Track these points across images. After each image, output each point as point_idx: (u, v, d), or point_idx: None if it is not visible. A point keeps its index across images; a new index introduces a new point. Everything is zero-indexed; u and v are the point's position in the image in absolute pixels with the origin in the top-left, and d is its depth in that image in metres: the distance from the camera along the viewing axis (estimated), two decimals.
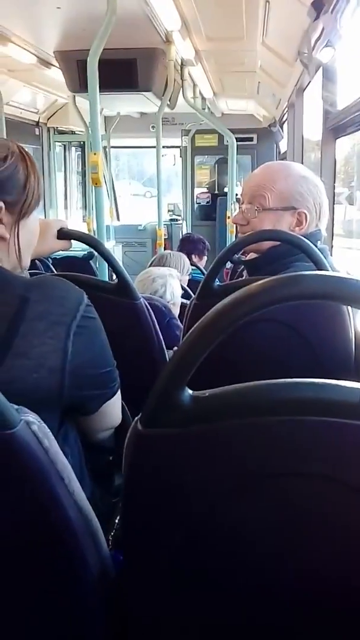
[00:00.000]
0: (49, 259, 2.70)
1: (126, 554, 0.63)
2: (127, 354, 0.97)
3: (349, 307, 1.12)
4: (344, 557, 0.59)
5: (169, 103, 3.70)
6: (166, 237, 5.19)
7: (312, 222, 1.29)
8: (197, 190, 6.52)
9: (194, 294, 1.29)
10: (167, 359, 1.36)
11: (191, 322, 1.24)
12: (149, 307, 1.33)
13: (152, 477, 0.58)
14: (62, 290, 0.81)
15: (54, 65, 3.67)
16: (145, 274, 2.11)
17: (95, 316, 0.85)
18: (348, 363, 1.12)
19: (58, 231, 1.18)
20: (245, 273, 1.62)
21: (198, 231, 5.27)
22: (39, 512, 0.61)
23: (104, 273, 2.55)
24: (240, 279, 1.83)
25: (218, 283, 1.26)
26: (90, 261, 3.17)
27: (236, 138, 4.58)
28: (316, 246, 1.17)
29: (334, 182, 2.43)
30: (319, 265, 1.12)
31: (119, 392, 0.93)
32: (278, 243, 1.24)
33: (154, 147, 4.01)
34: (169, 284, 2.05)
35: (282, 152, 5.08)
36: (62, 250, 1.23)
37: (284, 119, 4.45)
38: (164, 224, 4.77)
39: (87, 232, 4.68)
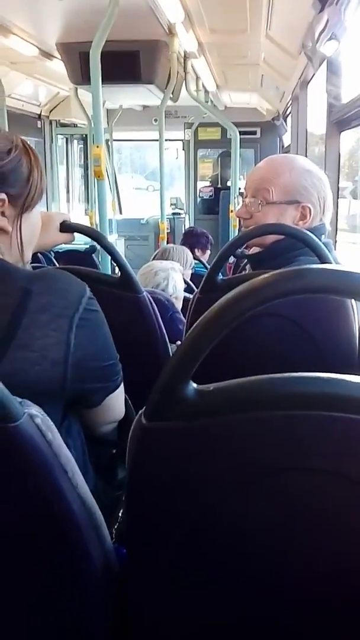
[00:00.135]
0: (52, 252, 2.69)
1: (130, 548, 0.63)
2: (130, 347, 0.97)
3: (353, 301, 1.11)
4: (347, 553, 0.59)
5: (171, 96, 3.68)
6: (169, 231, 5.18)
7: (316, 216, 1.28)
8: (200, 184, 6.50)
9: (197, 288, 1.29)
10: (170, 353, 1.36)
11: (194, 316, 1.24)
12: (152, 301, 1.32)
13: (156, 471, 0.58)
14: (64, 283, 0.81)
15: (56, 57, 3.65)
16: (147, 267, 2.11)
17: (98, 309, 0.84)
18: (352, 357, 1.12)
19: (61, 224, 1.18)
20: (248, 267, 1.61)
21: (201, 225, 5.25)
22: (42, 505, 0.61)
23: (106, 267, 2.55)
24: (243, 273, 1.82)
25: (221, 277, 1.26)
26: (93, 255, 3.16)
27: (239, 131, 4.55)
28: (320, 240, 1.16)
29: (338, 176, 2.41)
30: (323, 260, 1.11)
31: (122, 386, 0.93)
32: (282, 237, 1.24)
33: (157, 140, 3.99)
34: (172, 277, 2.05)
35: (285, 146, 5.06)
36: (65, 244, 1.23)
37: (288, 112, 4.43)
38: (167, 218, 4.76)
39: (89, 225, 4.67)
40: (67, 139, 6.29)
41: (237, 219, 1.40)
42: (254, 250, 1.36)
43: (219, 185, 6.38)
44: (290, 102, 3.98)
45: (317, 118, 3.17)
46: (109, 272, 2.33)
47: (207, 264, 3.46)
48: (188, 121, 6.09)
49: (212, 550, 0.60)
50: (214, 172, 6.56)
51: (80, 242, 3.17)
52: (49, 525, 0.62)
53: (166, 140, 4.17)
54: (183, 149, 6.48)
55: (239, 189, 4.62)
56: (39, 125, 5.51)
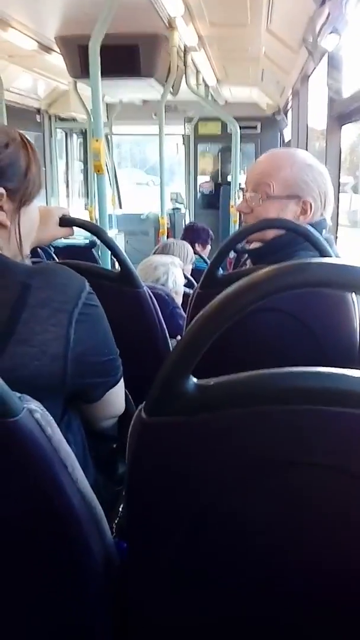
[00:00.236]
0: (51, 247, 2.68)
1: (130, 543, 0.63)
2: (130, 342, 0.97)
3: (354, 296, 1.11)
4: (349, 548, 0.59)
5: (171, 90, 3.66)
6: (169, 226, 5.17)
7: (317, 211, 1.27)
8: (200, 179, 6.48)
9: (198, 283, 1.29)
10: (170, 348, 1.36)
11: (194, 311, 1.23)
12: (152, 296, 1.32)
13: (156, 466, 0.58)
14: (64, 278, 0.81)
15: (55, 51, 3.63)
16: (147, 261, 2.11)
17: (98, 304, 0.84)
18: (352, 352, 1.12)
19: (60, 218, 1.17)
20: (249, 262, 1.61)
21: (201, 220, 5.24)
22: (42, 500, 0.61)
23: (106, 261, 2.54)
24: (244, 268, 1.82)
25: (222, 272, 1.25)
26: (93, 249, 3.16)
27: (240, 126, 4.54)
28: (321, 235, 1.16)
29: (339, 171, 2.41)
30: (324, 255, 1.11)
31: (122, 381, 0.93)
32: (282, 232, 1.23)
33: (157, 134, 3.98)
34: (171, 272, 2.05)
35: (286, 141, 5.05)
36: (64, 238, 1.22)
37: (288, 107, 4.41)
38: (167, 213, 4.74)
39: (89, 220, 4.65)
40: (66, 133, 6.27)
41: (238, 214, 1.40)
42: (255, 245, 1.36)
43: (219, 180, 6.37)
44: (291, 96, 3.96)
45: (318, 113, 3.15)
46: (109, 267, 2.33)
47: (207, 259, 3.46)
48: (188, 116, 6.07)
49: (213, 546, 0.60)
50: (214, 167, 6.54)
51: (80, 236, 3.16)
52: (49, 520, 0.62)
53: (166, 134, 4.15)
54: (183, 144, 6.46)
55: (240, 183, 4.61)
56: (38, 120, 5.49)
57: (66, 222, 1.19)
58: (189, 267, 2.90)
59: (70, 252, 2.95)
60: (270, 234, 1.26)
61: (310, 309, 1.10)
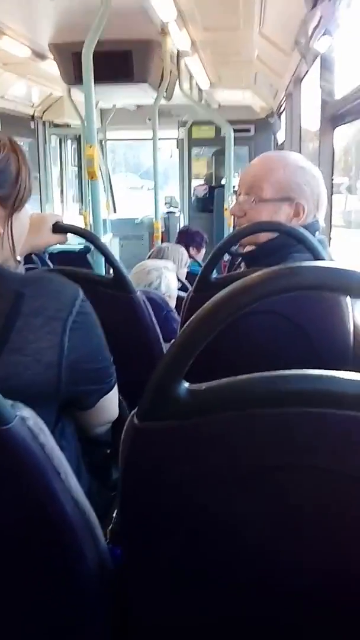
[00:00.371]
0: (45, 254, 2.68)
1: (124, 549, 0.63)
2: (124, 347, 0.97)
3: (348, 299, 1.11)
4: (345, 550, 0.59)
5: (165, 95, 3.67)
6: (163, 229, 5.18)
7: (310, 213, 1.28)
8: (194, 182, 6.49)
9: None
10: (165, 352, 1.35)
11: (188, 314, 1.23)
12: (145, 301, 1.32)
13: (149, 471, 0.57)
14: (57, 285, 0.81)
15: (49, 58, 3.63)
16: (140, 266, 2.11)
17: (91, 311, 0.84)
18: (346, 355, 1.12)
19: (53, 225, 1.17)
20: (243, 265, 1.61)
21: (196, 223, 5.25)
22: (36, 507, 0.61)
23: (100, 267, 2.54)
24: (237, 271, 1.82)
25: (216, 275, 1.25)
26: (87, 255, 3.16)
27: (233, 129, 4.55)
28: (314, 237, 1.16)
29: (332, 173, 2.41)
30: (317, 257, 1.11)
31: (115, 387, 0.92)
32: (276, 234, 1.23)
33: (151, 139, 3.98)
34: (164, 276, 2.05)
35: (279, 143, 5.06)
36: (58, 244, 1.22)
37: (282, 109, 4.42)
38: (161, 217, 4.75)
39: (83, 225, 4.66)
40: (60, 140, 6.27)
41: (232, 217, 1.40)
42: (248, 248, 1.36)
43: (214, 184, 6.38)
44: (284, 99, 3.98)
45: (311, 114, 3.16)
46: (103, 272, 2.33)
47: (202, 263, 3.46)
48: (182, 120, 6.08)
49: (208, 550, 0.60)
50: (208, 170, 6.56)
51: (74, 242, 3.16)
52: (42, 528, 0.62)
53: (160, 139, 4.16)
54: (177, 148, 6.47)
55: (234, 186, 4.61)
56: (32, 126, 5.49)
57: (60, 229, 1.18)
58: (184, 271, 2.91)
59: (64, 258, 2.95)
60: (264, 236, 1.26)
61: (304, 312, 1.10)
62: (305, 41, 2.46)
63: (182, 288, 2.50)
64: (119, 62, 3.28)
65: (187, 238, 3.69)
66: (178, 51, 3.56)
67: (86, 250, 3.15)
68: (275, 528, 0.59)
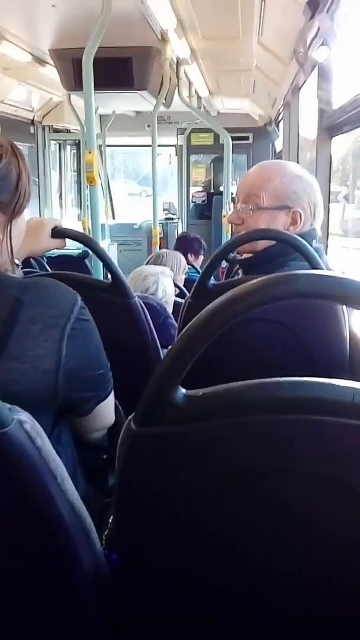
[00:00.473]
0: (44, 258, 2.69)
1: (120, 554, 0.63)
2: (121, 353, 0.97)
3: (344, 307, 1.12)
4: (340, 555, 0.59)
5: (164, 102, 3.69)
6: (162, 236, 5.19)
7: (307, 221, 1.29)
8: (192, 189, 6.51)
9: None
10: (162, 358, 1.35)
11: (186, 321, 1.24)
12: (143, 307, 1.32)
13: (146, 476, 0.57)
14: (56, 292, 0.81)
15: (49, 64, 3.65)
16: (137, 271, 2.11)
17: (89, 318, 0.84)
18: (342, 362, 1.12)
19: (52, 230, 1.17)
20: (240, 272, 1.61)
21: (194, 230, 5.26)
22: (32, 511, 0.61)
23: (98, 272, 2.54)
24: (235, 278, 1.82)
25: (213, 282, 1.26)
26: (86, 260, 3.16)
27: (232, 137, 4.57)
28: (311, 245, 1.17)
29: (330, 181, 2.43)
30: (314, 265, 1.12)
31: (112, 393, 0.93)
32: (273, 242, 1.24)
33: (150, 145, 4.00)
34: (161, 281, 2.05)
35: (277, 151, 5.09)
36: (57, 249, 1.22)
37: (280, 118, 4.45)
38: (160, 223, 4.76)
39: (82, 231, 4.67)
40: (60, 145, 6.29)
41: (230, 224, 1.40)
42: (246, 255, 1.37)
43: (212, 191, 6.40)
44: (282, 108, 4.00)
45: (309, 124, 3.18)
46: (101, 278, 2.33)
47: (199, 270, 3.46)
48: (181, 127, 6.11)
49: (204, 556, 0.60)
50: (206, 177, 6.58)
51: (73, 247, 3.17)
52: (38, 531, 0.62)
53: (159, 145, 4.18)
54: (176, 155, 6.50)
55: (232, 194, 4.64)
56: (32, 131, 5.50)
57: (58, 233, 1.19)
58: (182, 277, 2.91)
59: (62, 263, 2.96)
60: (261, 244, 1.27)
61: (301, 320, 1.11)
62: (304, 51, 2.48)
63: (180, 295, 2.50)
64: (119, 69, 3.30)
65: (185, 245, 3.70)
66: (178, 59, 3.59)
67: (84, 255, 3.15)
68: (271, 534, 0.59)
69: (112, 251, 5.57)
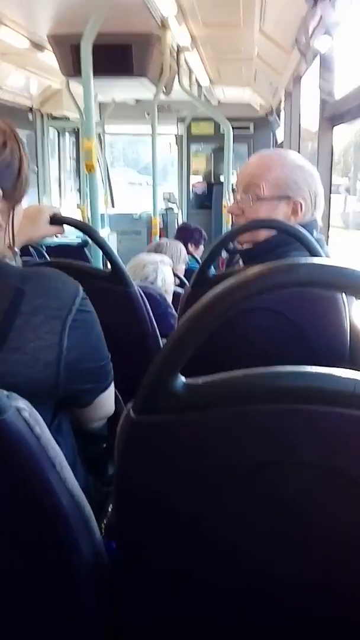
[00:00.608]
0: (43, 247, 2.67)
1: (119, 542, 0.63)
2: (121, 341, 0.97)
3: (344, 297, 1.12)
4: (339, 546, 0.59)
5: (164, 90, 3.66)
6: (162, 225, 5.17)
7: (308, 212, 1.28)
8: (193, 179, 6.48)
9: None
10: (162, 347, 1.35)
11: (186, 310, 1.23)
12: (143, 295, 1.32)
13: (144, 465, 0.57)
14: (58, 282, 0.80)
15: (47, 49, 3.61)
16: (136, 260, 2.10)
17: (91, 309, 0.84)
18: (342, 353, 1.12)
19: (51, 217, 1.17)
20: (241, 262, 1.61)
21: (194, 220, 5.25)
22: (31, 499, 0.61)
23: (98, 261, 2.53)
24: (235, 267, 1.82)
25: (214, 272, 1.25)
26: (85, 249, 3.15)
27: (233, 126, 4.54)
28: (312, 236, 1.16)
29: (331, 172, 2.41)
30: (315, 255, 1.11)
31: (112, 384, 0.92)
32: (274, 232, 1.24)
33: (150, 134, 3.97)
34: (160, 270, 2.04)
35: (279, 142, 5.06)
36: (55, 236, 1.22)
37: (281, 107, 4.42)
38: (160, 213, 4.74)
39: (81, 219, 4.64)
40: (58, 132, 6.24)
41: (230, 215, 1.39)
42: (247, 245, 1.36)
43: (212, 181, 6.37)
44: (284, 97, 3.97)
45: (310, 114, 3.16)
46: (101, 266, 2.32)
47: (200, 260, 3.46)
48: (181, 116, 6.07)
49: (203, 545, 0.60)
50: (207, 167, 6.55)
51: (72, 236, 3.15)
52: (37, 519, 0.62)
53: (159, 134, 4.15)
54: (176, 144, 6.46)
55: (232, 184, 4.61)
56: (31, 118, 5.45)
57: (57, 220, 1.18)
58: (182, 267, 2.90)
59: (62, 252, 2.95)
60: (262, 234, 1.26)
61: (301, 309, 1.10)
62: (306, 40, 2.45)
63: (180, 285, 2.50)
64: (119, 56, 3.27)
65: (185, 234, 3.68)
66: (178, 46, 3.55)
67: (84, 244, 3.14)
68: (270, 524, 0.59)
69: (111, 241, 5.55)
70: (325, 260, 0.56)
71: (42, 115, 5.60)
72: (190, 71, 4.26)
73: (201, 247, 3.77)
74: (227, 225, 4.56)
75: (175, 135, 6.38)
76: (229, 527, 0.59)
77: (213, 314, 0.53)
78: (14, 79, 4.60)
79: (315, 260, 0.56)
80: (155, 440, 0.56)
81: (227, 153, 4.57)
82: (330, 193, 2.44)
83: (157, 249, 2.73)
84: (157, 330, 1.36)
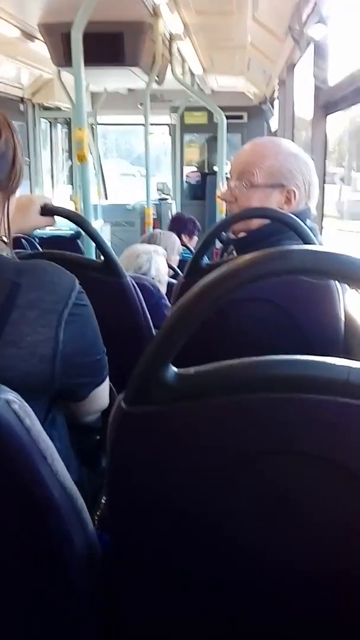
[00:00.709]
0: (35, 238, 2.65)
1: (111, 533, 0.63)
2: (114, 332, 0.96)
3: (338, 285, 1.11)
4: (335, 537, 0.59)
5: (157, 79, 3.62)
6: (155, 216, 5.14)
7: (302, 200, 1.27)
8: (186, 169, 6.45)
9: None
10: None
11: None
12: (135, 286, 1.31)
13: (137, 456, 0.57)
14: (54, 276, 0.79)
15: (38, 39, 3.57)
16: (130, 250, 2.09)
17: (87, 303, 0.83)
18: (336, 342, 1.12)
19: (42, 207, 1.15)
20: (234, 252, 1.60)
21: (188, 210, 5.22)
22: (22, 491, 0.60)
23: (90, 252, 2.52)
24: (229, 257, 1.81)
25: (207, 262, 1.25)
26: (78, 240, 3.13)
27: (226, 116, 4.51)
28: (305, 224, 1.15)
29: (325, 160, 2.40)
30: (308, 243, 1.10)
31: (107, 377, 0.92)
32: (267, 221, 1.23)
33: (142, 124, 3.94)
34: (154, 260, 2.03)
35: (272, 130, 5.03)
36: (46, 227, 1.20)
37: (275, 96, 4.39)
38: (153, 204, 4.71)
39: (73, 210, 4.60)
40: (50, 123, 6.18)
41: (224, 204, 1.38)
42: (241, 235, 1.35)
43: (206, 170, 6.35)
44: (277, 85, 3.94)
45: (304, 102, 3.14)
46: (94, 257, 2.31)
47: (193, 250, 3.44)
48: (174, 105, 6.02)
49: (197, 536, 0.60)
50: (200, 157, 6.51)
51: (65, 227, 3.13)
52: (28, 511, 0.61)
53: (152, 124, 4.12)
54: (169, 134, 6.42)
55: (226, 174, 4.59)
56: (22, 109, 5.39)
57: (48, 211, 1.17)
58: (176, 258, 2.89)
59: (54, 243, 2.93)
60: (255, 223, 1.25)
61: (294, 298, 1.10)
62: (299, 27, 2.43)
63: (174, 276, 2.49)
64: (110, 44, 3.23)
65: (179, 225, 3.66)
66: (170, 34, 3.52)
67: (76, 235, 3.12)
68: (264, 514, 0.59)
69: (104, 232, 5.53)
70: (319, 247, 0.55)
71: (33, 106, 5.54)
72: (183, 60, 4.22)
73: (195, 238, 3.75)
74: (221, 216, 4.54)
75: (169, 125, 6.34)
76: (224, 518, 0.59)
77: (205, 302, 0.52)
78: (4, 69, 4.55)
79: (309, 247, 0.55)
80: (146, 431, 0.56)
81: (221, 143, 4.54)
82: (324, 182, 2.42)
83: (151, 240, 2.71)
84: (151, 321, 1.35)
